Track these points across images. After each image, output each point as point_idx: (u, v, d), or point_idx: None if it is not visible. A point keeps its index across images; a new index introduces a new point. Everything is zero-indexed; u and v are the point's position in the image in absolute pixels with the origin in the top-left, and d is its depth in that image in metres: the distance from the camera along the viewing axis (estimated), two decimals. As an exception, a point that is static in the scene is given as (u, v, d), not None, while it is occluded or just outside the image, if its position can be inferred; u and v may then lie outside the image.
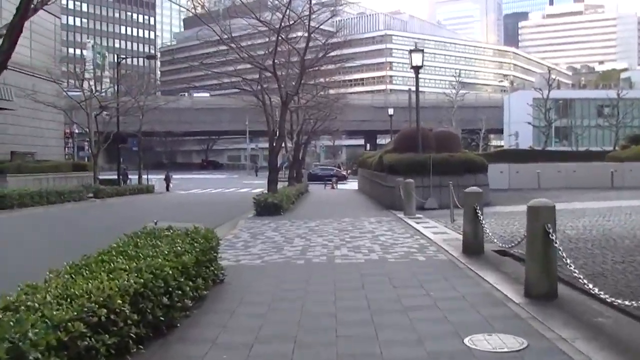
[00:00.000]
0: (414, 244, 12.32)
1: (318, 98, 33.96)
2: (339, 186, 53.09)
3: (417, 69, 23.87)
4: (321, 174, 63.67)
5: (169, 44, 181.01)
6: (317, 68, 26.09)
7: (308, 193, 37.80)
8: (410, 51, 24.22)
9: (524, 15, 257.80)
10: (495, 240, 9.92)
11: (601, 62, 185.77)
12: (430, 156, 22.56)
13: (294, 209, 23.74)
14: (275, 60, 24.26)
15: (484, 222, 10.24)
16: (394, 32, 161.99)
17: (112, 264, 5.93)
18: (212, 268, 8.08)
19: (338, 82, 36.47)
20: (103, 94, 44.38)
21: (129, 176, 50.59)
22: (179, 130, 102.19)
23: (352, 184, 52.28)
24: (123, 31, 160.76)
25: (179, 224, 18.12)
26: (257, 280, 8.71)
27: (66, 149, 64.64)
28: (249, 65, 27.76)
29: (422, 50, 24.35)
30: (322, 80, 32.58)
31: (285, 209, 21.65)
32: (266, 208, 20.49)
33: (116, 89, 40.33)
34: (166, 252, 6.70)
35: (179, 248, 6.98)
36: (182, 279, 6.43)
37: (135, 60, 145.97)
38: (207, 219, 21.23)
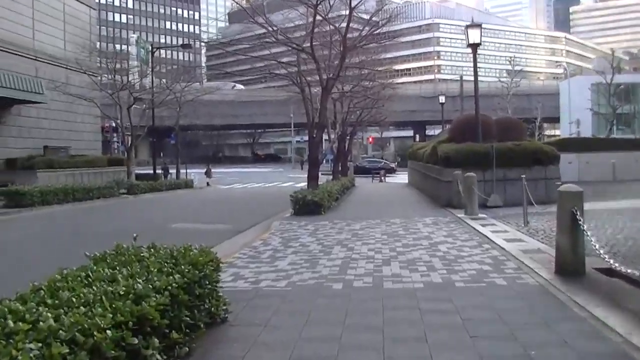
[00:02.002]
0: (485, 258, 9.63)
1: (363, 84, 31.19)
2: (387, 179, 50.34)
3: (475, 47, 21.03)
4: (368, 166, 61.08)
5: (215, 38, 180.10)
6: (361, 46, 23.31)
7: (354, 187, 35.22)
8: (467, 27, 21.37)
9: (575, 1, 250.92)
10: (602, 255, 7.14)
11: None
12: (492, 146, 19.69)
13: (337, 207, 21.17)
14: (315, 42, 21.76)
15: (587, 231, 7.48)
16: (441, 20, 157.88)
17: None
18: (206, 306, 5.57)
19: (384, 63, 33.57)
20: (136, 86, 42.54)
21: (170, 171, 48.83)
22: (223, 124, 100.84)
23: (401, 177, 49.48)
24: (168, 26, 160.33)
25: (199, 226, 15.81)
26: (274, 319, 6.16)
27: (110, 143, 63.46)
28: (284, 49, 25.37)
29: (480, 25, 21.43)
30: (365, 60, 29.77)
31: (327, 207, 19.09)
32: (305, 207, 18.00)
33: (151, 79, 38.33)
34: (121, 293, 4.23)
35: (144, 286, 4.47)
36: (136, 341, 3.93)
37: (180, 55, 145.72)
38: (237, 219, 18.94)
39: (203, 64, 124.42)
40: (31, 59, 34.28)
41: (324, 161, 66.04)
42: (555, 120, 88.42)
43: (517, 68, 79.03)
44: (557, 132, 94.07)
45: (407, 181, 40.32)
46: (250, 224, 16.87)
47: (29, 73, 32.71)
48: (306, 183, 21.68)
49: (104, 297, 4.01)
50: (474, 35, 21.00)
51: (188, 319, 4.91)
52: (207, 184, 46.79)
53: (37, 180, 28.44)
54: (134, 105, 37.81)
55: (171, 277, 4.80)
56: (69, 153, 36.86)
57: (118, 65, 39.43)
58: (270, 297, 7.19)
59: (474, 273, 8.33)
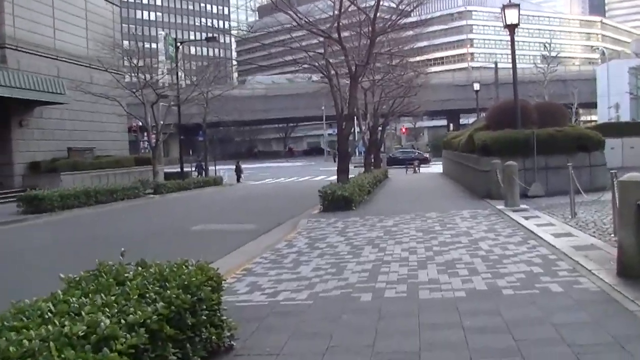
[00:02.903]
0: (533, 257, 8.55)
1: (393, 72, 30.03)
2: (422, 170, 49.05)
3: (512, 28, 19.73)
4: (402, 157, 59.73)
5: (244, 33, 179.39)
6: (391, 30, 22.18)
7: (387, 179, 34.08)
8: (503, 7, 20.09)
9: None
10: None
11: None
12: (533, 132, 18.46)
13: (369, 201, 20.13)
14: (342, 30, 20.74)
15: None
16: (474, 8, 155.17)
17: None
18: (203, 336, 4.61)
19: (415, 52, 32.41)
20: (165, 83, 42.00)
21: (204, 167, 48.07)
22: (254, 119, 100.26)
23: (436, 167, 48.17)
24: (197, 22, 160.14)
25: (222, 226, 14.96)
26: (289, 345, 5.19)
27: (139, 143, 63.14)
28: (315, 41, 24.43)
29: (518, 6, 20.15)
30: (396, 48, 28.57)
31: (358, 202, 18.07)
32: (334, 203, 17.01)
33: (176, 75, 37.62)
34: (80, 334, 3.29)
35: (112, 323, 3.52)
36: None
37: (210, 51, 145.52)
38: (264, 217, 17.99)
39: (234, 58, 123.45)
40: (52, 58, 33.77)
41: (357, 153, 65.41)
42: (591, 105, 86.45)
43: (553, 53, 77.17)
44: (594, 118, 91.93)
45: (441, 171, 39.10)
46: (276, 223, 15.95)
47: (50, 73, 32.19)
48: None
49: (52, 344, 3.08)
50: (512, 16, 19.74)
51: (176, 357, 3.96)
52: (238, 180, 46.08)
53: (62, 183, 27.91)
54: (160, 104, 37.22)
55: (153, 306, 3.85)
56: (94, 154, 36.34)
57: (142, 63, 38.83)
58: (287, 316, 6.21)
59: (523, 277, 7.27)
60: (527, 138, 18.51)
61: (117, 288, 4.21)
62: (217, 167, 48.95)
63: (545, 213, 13.68)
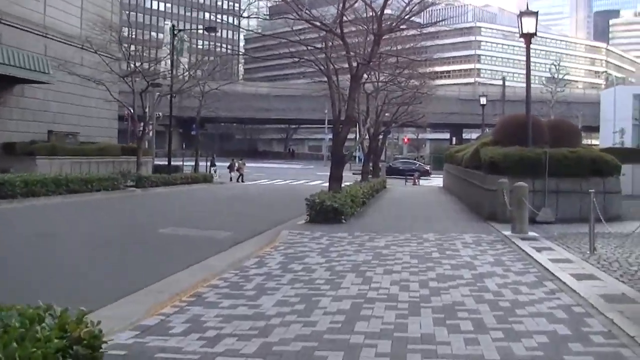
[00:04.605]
0: (554, 309, 6.79)
1: (398, 77, 28.29)
2: (421, 182, 47.31)
3: (528, 37, 18.07)
4: (402, 167, 57.97)
5: (254, 32, 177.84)
6: (398, 29, 20.43)
7: (385, 190, 32.36)
8: (520, 14, 18.39)
9: (615, 13, 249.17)
10: None
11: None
12: (546, 152, 16.72)
13: (362, 213, 18.37)
14: (346, 24, 19.05)
15: None
16: (483, 24, 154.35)
17: None
18: None
19: (422, 62, 30.72)
20: (163, 74, 40.25)
21: (216, 164, 46.38)
22: (256, 117, 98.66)
23: (436, 181, 46.46)
24: (207, 17, 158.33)
25: (193, 232, 13.24)
26: None
27: (132, 132, 61.25)
28: (315, 35, 22.76)
29: (536, 14, 18.45)
30: (402, 50, 26.84)
31: (349, 214, 16.32)
32: (322, 214, 15.25)
33: (171, 63, 35.73)
34: None
35: None
36: None
37: (218, 47, 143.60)
38: (243, 224, 16.24)
39: (239, 52, 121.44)
40: (40, 35, 31.77)
41: (357, 159, 63.64)
42: (594, 129, 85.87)
43: (560, 75, 76.14)
44: (594, 142, 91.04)
45: (442, 185, 37.40)
46: (255, 232, 14.19)
47: (36, 50, 30.15)
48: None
49: None
50: (529, 25, 18.06)
51: None
52: (230, 179, 44.34)
53: (37, 168, 26.05)
54: (156, 94, 35.48)
55: None
56: (78, 140, 34.43)
57: (135, 50, 37.01)
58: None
59: (546, 341, 5.50)
60: (538, 157, 16.77)
61: None
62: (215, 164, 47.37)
63: (558, 244, 11.93)
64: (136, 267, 9.98)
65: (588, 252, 10.83)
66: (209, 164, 45.93)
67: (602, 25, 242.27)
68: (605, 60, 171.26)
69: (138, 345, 5.32)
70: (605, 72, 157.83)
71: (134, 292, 7.67)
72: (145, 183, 29.31)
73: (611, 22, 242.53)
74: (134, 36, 36.71)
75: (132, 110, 32.73)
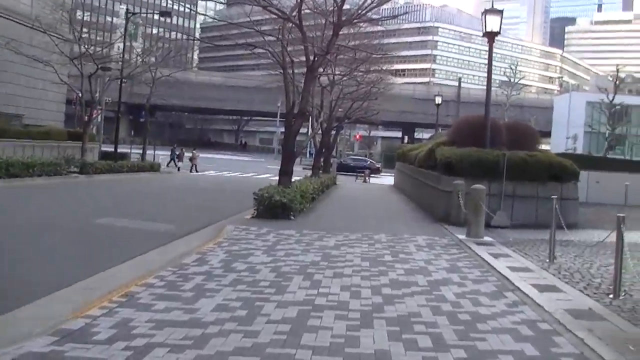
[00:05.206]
0: (518, 323, 6.27)
1: (355, 70, 27.68)
2: (372, 180, 46.90)
3: (492, 36, 17.68)
4: (353, 164, 57.49)
5: (210, 21, 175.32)
6: (359, 20, 19.78)
7: (335, 187, 31.80)
8: (485, 12, 17.98)
9: (571, 20, 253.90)
10: None
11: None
12: (504, 154, 16.35)
13: (312, 210, 17.73)
14: (304, 15, 18.36)
15: None
16: (440, 25, 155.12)
17: None
18: None
19: (380, 59, 30.18)
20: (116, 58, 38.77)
21: (177, 153, 45.44)
22: (208, 107, 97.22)
23: (387, 179, 46.14)
24: (164, 3, 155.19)
25: (133, 223, 12.47)
26: None
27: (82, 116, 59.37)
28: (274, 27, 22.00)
29: (501, 12, 18.08)
30: (360, 44, 26.21)
31: (298, 210, 15.66)
32: (270, 209, 14.54)
33: (123, 46, 34.35)
34: None
35: None
36: None
37: (175, 35, 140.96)
38: (187, 216, 15.43)
39: (195, 37, 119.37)
40: (-18, 10, 30.38)
41: (308, 154, 62.93)
42: (545, 134, 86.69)
43: (516, 79, 76.86)
44: (545, 147, 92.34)
45: (393, 183, 37.04)
46: (199, 226, 13.40)
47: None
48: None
49: None
50: (493, 23, 17.67)
51: None
52: (178, 169, 43.22)
53: (-25, 150, 24.73)
54: (107, 79, 34.12)
55: None
56: (23, 122, 32.95)
57: (87, 34, 35.55)
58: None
59: (514, 364, 4.95)
60: (496, 160, 16.38)
61: None
62: (164, 153, 46.29)
63: (515, 251, 11.50)
64: (68, 260, 9.16)
65: (547, 261, 10.41)
66: (172, 153, 45.41)
67: (558, 32, 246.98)
68: (560, 67, 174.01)
69: (54, 355, 4.59)
70: (561, 77, 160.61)
71: (62, 288, 6.92)
72: (90, 170, 28.07)
73: (567, 29, 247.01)
74: (87, 19, 35.17)
75: (80, 94, 31.37)
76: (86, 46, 32.69)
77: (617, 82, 62.15)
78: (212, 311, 6.05)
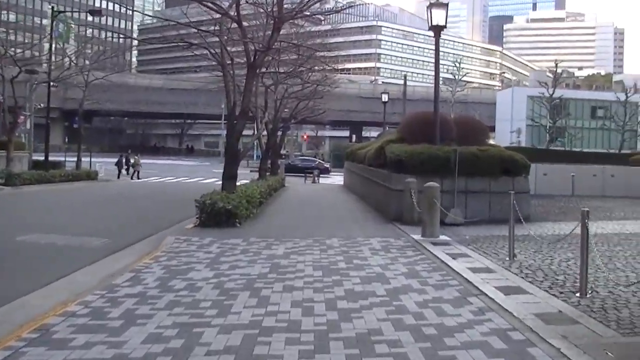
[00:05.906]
0: (487, 334, 5.63)
1: (299, 68, 26.88)
2: (321, 180, 46.24)
3: (438, 30, 17.19)
4: (301, 165, 56.70)
5: (148, 22, 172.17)
6: (301, 16, 19.07)
7: (284, 189, 31.01)
8: (430, 5, 17.43)
9: (509, 18, 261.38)
10: None
11: (580, 68, 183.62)
12: (456, 150, 15.84)
13: (259, 215, 16.89)
14: (244, 10, 17.53)
15: None
16: (384, 24, 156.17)
17: None
18: None
19: (324, 58, 29.42)
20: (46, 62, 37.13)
21: (130, 160, 44.01)
22: (149, 111, 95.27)
23: (336, 178, 45.54)
24: (98, 4, 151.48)
25: (61, 239, 11.60)
26: None
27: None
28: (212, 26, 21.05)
29: (447, 5, 17.58)
30: (303, 43, 25.44)
31: (244, 216, 14.82)
32: (214, 217, 13.66)
33: (50, 46, 32.62)
34: None
35: None
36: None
37: (111, 36, 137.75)
38: (124, 228, 14.37)
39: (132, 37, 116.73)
40: None
41: (255, 156, 61.91)
42: (490, 129, 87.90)
43: (452, 77, 77.62)
44: (490, 142, 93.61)
45: (342, 183, 36.43)
46: (135, 238, 12.41)
47: None
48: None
49: None
50: (439, 16, 17.17)
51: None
52: (118, 176, 41.71)
53: None
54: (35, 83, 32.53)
55: None
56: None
57: (6, 35, 33.81)
58: None
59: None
60: (447, 156, 15.86)
61: None
62: (101, 160, 44.64)
63: (473, 250, 10.94)
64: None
65: (507, 259, 9.89)
66: (126, 161, 44.37)
67: (496, 30, 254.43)
68: (500, 63, 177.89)
69: None
70: (503, 73, 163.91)
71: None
72: (17, 181, 26.38)
73: (505, 26, 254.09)
74: (13, 18, 33.54)
75: (2, 99, 29.70)
76: (6, 47, 30.94)
77: (556, 77, 62.97)
78: (142, 343, 5.22)
